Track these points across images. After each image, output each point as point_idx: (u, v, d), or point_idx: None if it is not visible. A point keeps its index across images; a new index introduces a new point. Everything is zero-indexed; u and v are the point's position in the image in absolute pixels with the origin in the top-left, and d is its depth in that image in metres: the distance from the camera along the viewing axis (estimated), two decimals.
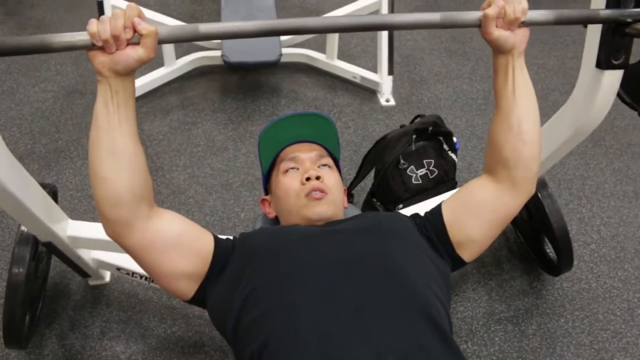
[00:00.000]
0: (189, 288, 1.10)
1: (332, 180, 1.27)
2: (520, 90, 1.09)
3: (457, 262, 1.17)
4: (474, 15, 1.05)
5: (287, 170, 1.29)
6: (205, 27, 0.98)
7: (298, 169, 1.28)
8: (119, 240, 1.04)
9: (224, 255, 1.11)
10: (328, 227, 1.17)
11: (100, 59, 0.93)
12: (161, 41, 0.96)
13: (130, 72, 0.96)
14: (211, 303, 1.11)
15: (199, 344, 1.76)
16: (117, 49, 0.92)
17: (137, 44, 0.93)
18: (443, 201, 1.20)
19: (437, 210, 1.18)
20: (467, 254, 1.17)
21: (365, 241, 1.11)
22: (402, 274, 1.05)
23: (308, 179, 1.23)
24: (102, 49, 0.92)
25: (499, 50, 1.08)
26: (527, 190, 1.15)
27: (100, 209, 1.00)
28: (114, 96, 0.96)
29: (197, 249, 1.09)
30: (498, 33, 1.04)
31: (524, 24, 1.06)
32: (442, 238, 1.15)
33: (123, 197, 0.98)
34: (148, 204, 1.03)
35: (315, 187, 1.22)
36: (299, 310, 0.99)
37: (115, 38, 0.90)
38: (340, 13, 2.75)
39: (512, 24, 1.04)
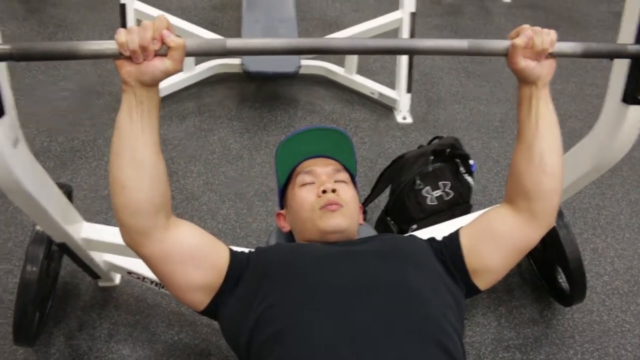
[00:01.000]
0: (202, 300, 1.09)
1: (348, 195, 1.28)
2: (544, 122, 1.08)
3: (471, 289, 1.16)
4: (501, 44, 1.05)
5: (303, 184, 1.29)
6: (232, 43, 0.99)
7: (314, 182, 1.29)
8: (135, 248, 1.04)
9: (238, 269, 1.10)
10: (345, 247, 1.16)
11: (127, 69, 0.93)
12: (188, 54, 0.97)
13: (156, 83, 0.97)
14: (223, 317, 1.11)
15: (205, 352, 1.75)
16: (144, 60, 0.93)
17: (164, 55, 0.94)
18: (461, 227, 1.19)
19: (455, 237, 1.17)
20: (483, 283, 1.16)
21: (382, 265, 1.10)
22: (418, 301, 1.05)
23: (324, 191, 1.24)
24: (129, 58, 0.92)
25: (524, 80, 1.08)
26: (547, 223, 1.14)
27: (118, 216, 1.00)
28: (139, 105, 0.96)
29: (213, 262, 1.09)
30: (525, 63, 1.04)
31: (552, 55, 1.06)
32: (459, 265, 1.14)
33: (142, 207, 0.98)
34: (166, 214, 1.03)
35: (331, 200, 1.22)
36: (312, 332, 0.99)
37: (143, 49, 0.91)
38: (360, 28, 2.75)
39: (540, 54, 1.04)
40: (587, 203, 2.35)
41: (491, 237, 1.14)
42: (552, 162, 1.09)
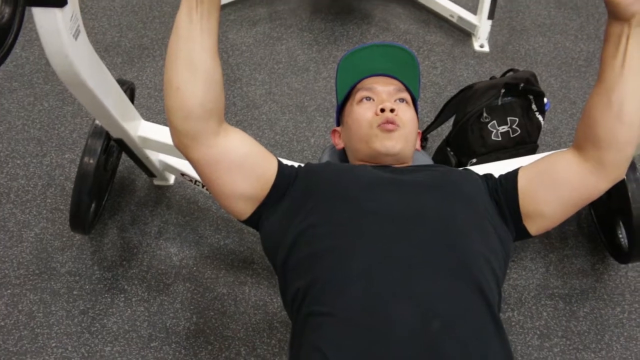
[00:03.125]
0: (245, 209, 1.09)
1: (407, 115, 1.23)
2: (631, 65, 0.97)
3: (521, 233, 1.11)
4: None
5: (361, 100, 1.25)
6: None
7: (373, 100, 1.24)
8: (184, 151, 1.04)
9: (285, 182, 1.09)
10: (396, 175, 1.13)
11: None
12: None
13: None
14: (264, 228, 1.11)
15: (249, 259, 1.80)
16: None
17: None
18: (521, 167, 1.13)
19: (513, 176, 1.11)
20: (534, 228, 1.10)
21: (433, 198, 1.06)
22: (462, 241, 1.01)
23: (383, 110, 1.19)
24: None
25: (616, 15, 0.95)
26: (615, 175, 1.05)
27: (170, 118, 1.00)
28: (199, 5, 0.93)
29: (260, 173, 1.07)
30: None
31: None
32: (512, 206, 1.08)
33: (194, 110, 0.97)
34: (218, 120, 1.02)
35: (389, 119, 1.18)
36: (352, 258, 0.97)
37: None
38: None
39: None
40: None
41: (551, 182, 1.07)
42: (632, 111, 0.98)
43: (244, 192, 1.07)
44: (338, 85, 1.37)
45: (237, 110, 2.22)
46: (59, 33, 1.06)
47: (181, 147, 1.03)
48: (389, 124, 1.17)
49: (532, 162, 1.13)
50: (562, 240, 1.91)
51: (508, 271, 1.81)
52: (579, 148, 1.06)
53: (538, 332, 1.70)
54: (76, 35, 1.12)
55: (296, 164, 1.17)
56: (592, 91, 1.03)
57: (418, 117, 1.32)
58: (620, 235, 1.77)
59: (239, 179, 1.06)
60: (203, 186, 1.75)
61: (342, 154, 1.38)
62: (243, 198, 1.08)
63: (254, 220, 1.11)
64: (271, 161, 1.10)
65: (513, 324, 1.71)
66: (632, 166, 1.63)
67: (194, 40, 0.95)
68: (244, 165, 1.06)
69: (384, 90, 1.26)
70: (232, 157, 1.04)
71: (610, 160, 1.02)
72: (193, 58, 0.95)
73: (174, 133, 1.02)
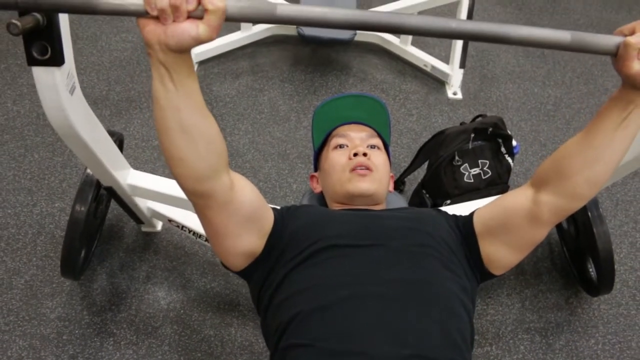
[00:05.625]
0: (241, 264, 1.13)
1: (379, 160, 1.32)
2: (626, 134, 0.95)
3: (486, 275, 1.17)
4: (611, 41, 0.87)
5: (336, 147, 1.35)
6: (283, 10, 0.85)
7: (347, 146, 1.34)
8: (202, 211, 1.03)
9: (275, 235, 1.12)
10: (372, 220, 1.18)
11: (150, 27, 0.80)
12: (229, 19, 0.83)
13: (183, 50, 0.83)
14: (254, 279, 1.16)
15: (234, 302, 1.85)
16: (173, 21, 0.79)
17: (199, 18, 0.80)
18: (475, 214, 1.18)
19: (469, 224, 1.16)
20: (497, 270, 1.16)
21: (406, 240, 1.12)
22: (435, 278, 1.08)
23: (356, 154, 1.28)
24: (156, 18, 0.80)
25: (634, 85, 0.89)
26: (558, 221, 1.10)
27: (182, 185, 0.97)
28: (171, 73, 0.85)
29: (260, 226, 1.10)
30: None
31: None
32: (474, 252, 1.15)
33: (204, 173, 0.95)
34: (226, 170, 0.99)
35: (361, 163, 1.27)
36: (330, 294, 1.03)
37: (175, 8, 0.77)
38: (414, 0, 2.74)
39: None
40: (631, 196, 2.30)
41: (505, 228, 1.11)
42: (603, 174, 0.99)
43: (244, 249, 1.09)
44: (314, 132, 1.48)
45: None
46: (57, 90, 1.13)
47: (199, 207, 1.02)
48: (362, 168, 1.27)
49: (487, 206, 1.17)
50: (536, 276, 1.99)
51: (485, 307, 1.88)
52: (537, 187, 1.08)
53: None
54: (72, 91, 1.20)
55: (279, 208, 1.22)
56: (574, 141, 1.01)
57: (390, 161, 1.42)
58: (591, 270, 1.85)
59: (244, 234, 1.07)
60: (189, 231, 1.82)
61: (321, 198, 1.46)
62: (241, 254, 1.11)
63: (246, 273, 1.15)
64: (268, 215, 1.13)
65: (492, 358, 1.76)
66: (595, 204, 1.73)
67: (177, 109, 0.88)
68: (251, 218, 1.07)
69: (357, 137, 1.36)
70: (245, 211, 1.04)
71: (561, 210, 1.05)
72: (185, 126, 0.89)
73: (190, 196, 1.00)
